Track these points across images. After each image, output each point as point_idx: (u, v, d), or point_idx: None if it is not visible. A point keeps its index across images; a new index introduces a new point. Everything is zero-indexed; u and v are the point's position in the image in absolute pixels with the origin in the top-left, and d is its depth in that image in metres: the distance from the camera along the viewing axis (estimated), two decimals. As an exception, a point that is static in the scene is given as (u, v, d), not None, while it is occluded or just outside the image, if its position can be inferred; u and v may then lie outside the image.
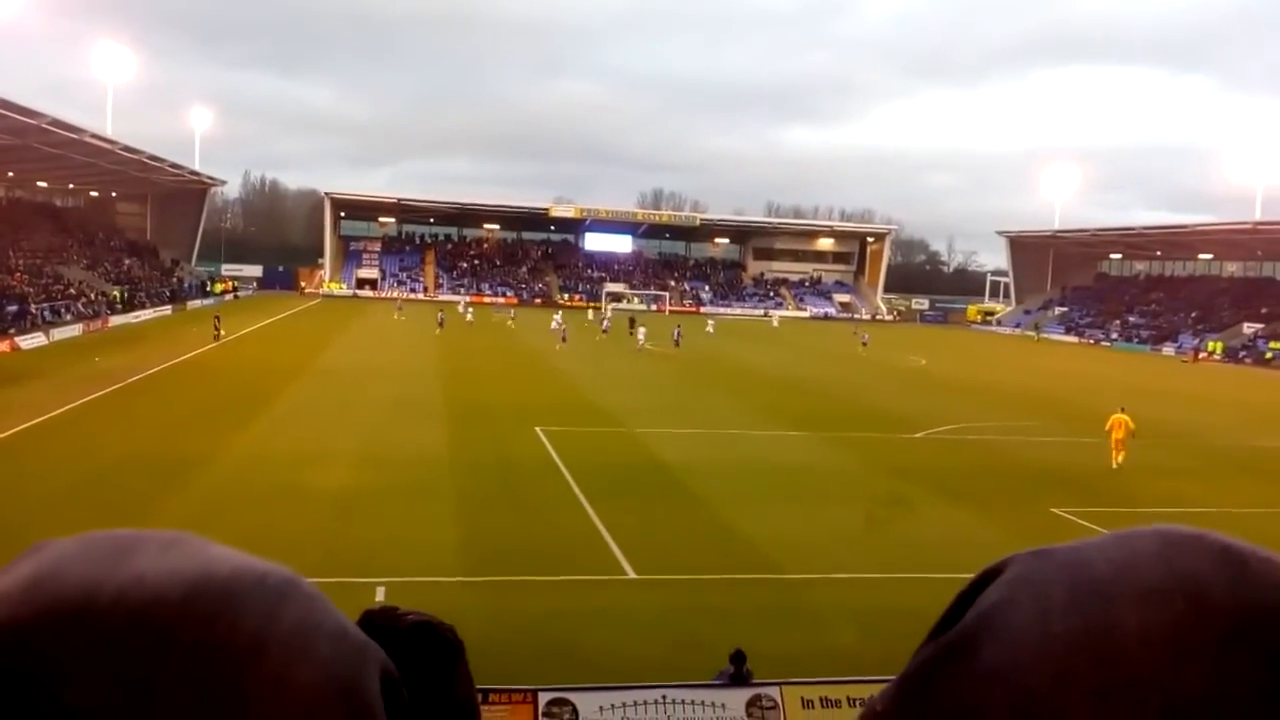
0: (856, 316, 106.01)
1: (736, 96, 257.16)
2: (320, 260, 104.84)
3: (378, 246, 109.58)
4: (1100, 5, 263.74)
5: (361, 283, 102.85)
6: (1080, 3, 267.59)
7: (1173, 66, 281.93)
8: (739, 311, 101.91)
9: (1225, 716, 0.54)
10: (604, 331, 66.14)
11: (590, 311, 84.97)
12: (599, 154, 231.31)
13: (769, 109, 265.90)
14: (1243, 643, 0.56)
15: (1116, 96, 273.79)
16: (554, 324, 59.13)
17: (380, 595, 13.57)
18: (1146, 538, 0.64)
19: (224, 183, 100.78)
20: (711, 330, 71.52)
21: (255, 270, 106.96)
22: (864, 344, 63.30)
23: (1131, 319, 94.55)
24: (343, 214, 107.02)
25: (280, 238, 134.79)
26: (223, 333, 48.99)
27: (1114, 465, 26.46)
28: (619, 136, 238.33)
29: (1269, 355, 76.33)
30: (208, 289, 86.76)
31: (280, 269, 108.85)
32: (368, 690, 0.59)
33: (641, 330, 57.38)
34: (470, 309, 77.38)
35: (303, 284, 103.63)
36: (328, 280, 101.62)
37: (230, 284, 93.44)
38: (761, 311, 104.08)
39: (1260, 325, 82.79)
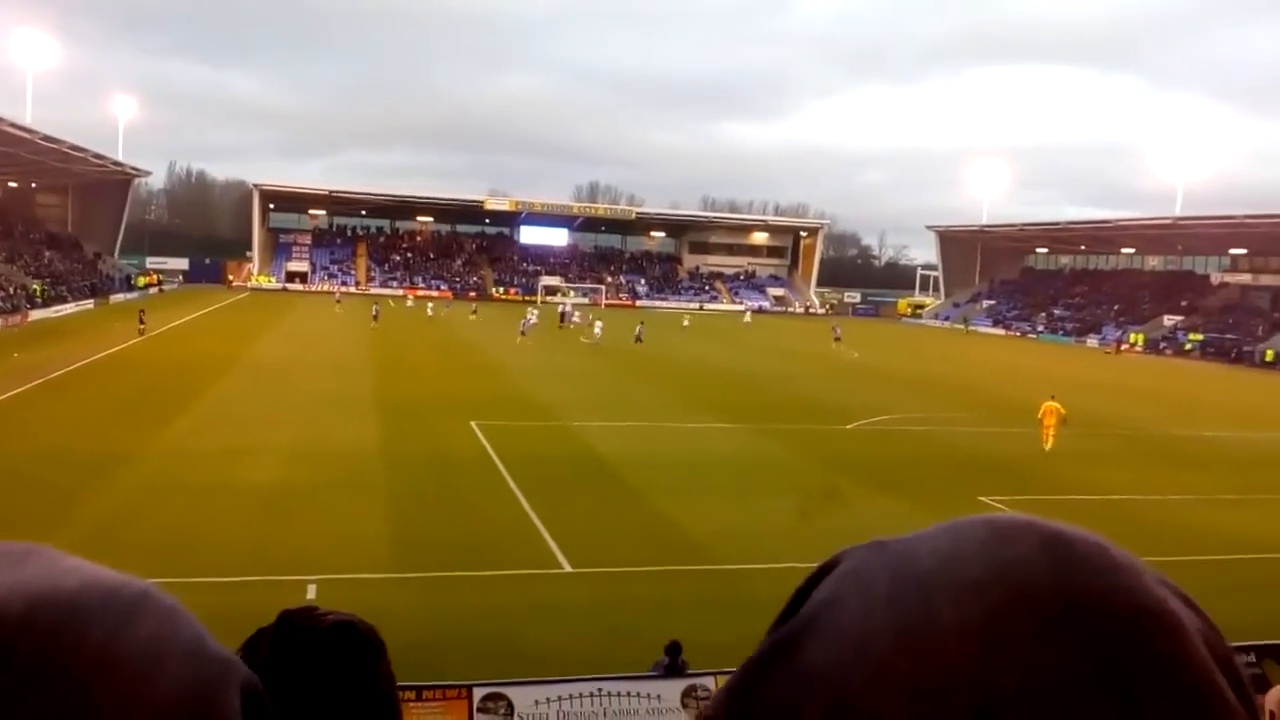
0: (789, 310, 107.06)
1: (675, 91, 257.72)
2: (248, 253, 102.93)
3: (308, 239, 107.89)
4: (1033, 6, 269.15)
5: (291, 276, 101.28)
6: (1014, 3, 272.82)
7: (1101, 66, 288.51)
8: (673, 305, 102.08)
9: (1041, 708, 0.53)
10: (563, 325, 66.36)
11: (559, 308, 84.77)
12: (537, 147, 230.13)
13: (707, 104, 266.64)
14: (1062, 631, 0.55)
15: (1046, 95, 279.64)
16: (528, 317, 59.55)
17: (311, 593, 13.40)
18: (974, 527, 0.63)
19: (148, 174, 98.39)
20: (687, 325, 72.15)
21: (181, 263, 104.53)
22: (837, 338, 64.26)
23: (1057, 311, 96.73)
24: (272, 206, 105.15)
25: (207, 230, 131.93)
26: (147, 327, 47.89)
27: (1045, 448, 27.72)
28: (557, 130, 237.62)
29: (1188, 346, 78.66)
30: (132, 282, 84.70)
31: (207, 262, 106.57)
32: (224, 709, 0.56)
33: (599, 324, 57.66)
34: (430, 303, 76.91)
35: (230, 277, 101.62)
36: (256, 273, 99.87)
37: (155, 277, 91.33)
38: (697, 305, 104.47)
39: (1180, 318, 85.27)
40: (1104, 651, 0.54)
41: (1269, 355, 72.20)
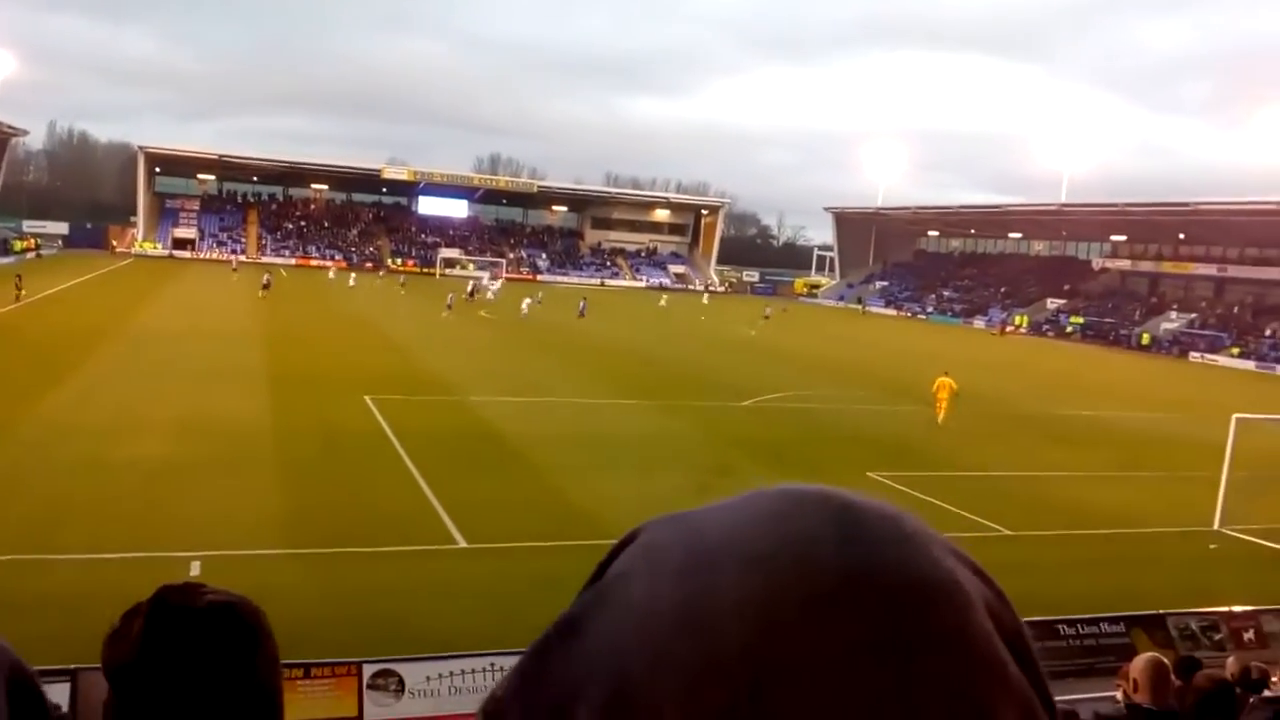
0: (690, 287, 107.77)
1: (581, 64, 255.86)
2: (133, 218, 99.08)
3: (196, 205, 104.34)
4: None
5: (178, 243, 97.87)
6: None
7: (998, 54, 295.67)
8: (575, 280, 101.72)
9: (814, 683, 0.52)
10: (471, 299, 65.47)
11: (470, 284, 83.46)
12: (440, 116, 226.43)
13: (613, 78, 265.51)
14: (841, 604, 0.54)
15: (944, 81, 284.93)
16: (472, 285, 61.04)
17: (195, 569, 13.02)
18: (769, 499, 0.62)
19: (26, 133, 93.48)
20: (665, 305, 72.89)
21: (61, 228, 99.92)
22: (766, 317, 66.84)
23: (946, 293, 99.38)
24: (158, 170, 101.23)
25: (90, 194, 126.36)
26: (24, 293, 45.76)
27: (939, 421, 29.13)
28: (460, 100, 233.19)
29: (1069, 329, 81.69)
30: (8, 246, 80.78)
31: (89, 226, 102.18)
32: None
33: (527, 301, 57.92)
34: (353, 275, 75.36)
35: (114, 243, 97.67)
36: (141, 239, 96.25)
37: (33, 241, 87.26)
38: (599, 281, 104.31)
39: (1062, 301, 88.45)
40: (883, 623, 0.53)
41: (1145, 338, 75.47)
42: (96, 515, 15.37)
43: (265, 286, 57.76)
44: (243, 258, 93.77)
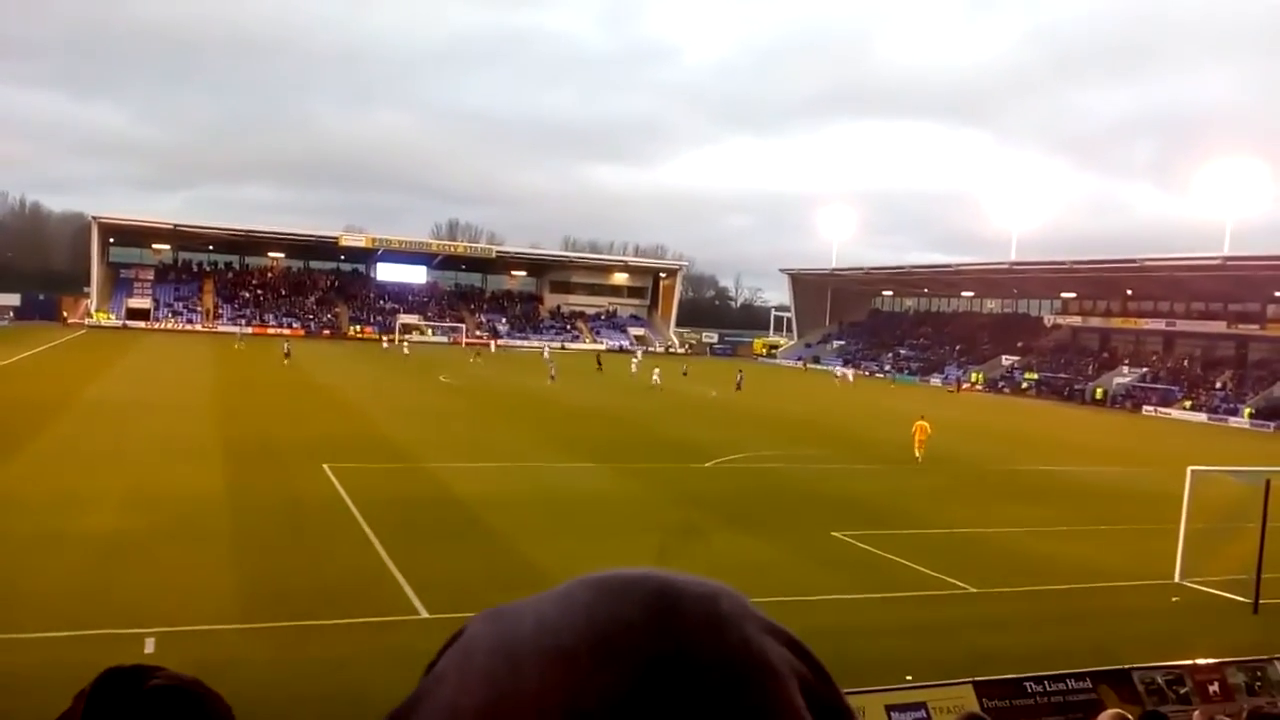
0: (650, 349, 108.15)
1: (546, 134, 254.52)
2: (86, 289, 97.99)
3: (151, 275, 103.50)
4: (891, 67, 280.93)
5: (133, 313, 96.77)
6: (875, 64, 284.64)
7: (951, 121, 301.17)
8: (535, 343, 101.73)
9: None
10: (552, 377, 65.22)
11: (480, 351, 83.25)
12: (400, 184, 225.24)
13: (577, 148, 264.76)
14: (647, 694, 0.52)
15: (898, 146, 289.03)
16: (546, 354, 65.35)
17: (149, 647, 12.70)
18: (584, 588, 0.60)
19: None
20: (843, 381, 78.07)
21: (13, 299, 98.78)
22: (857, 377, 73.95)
23: (902, 352, 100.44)
24: (112, 240, 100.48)
25: (42, 264, 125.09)
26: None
27: (917, 458, 32.45)
28: (425, 169, 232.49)
29: (1024, 385, 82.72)
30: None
31: (41, 298, 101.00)
32: None
33: (656, 371, 61.84)
34: (406, 343, 77.79)
35: (65, 314, 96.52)
36: (94, 310, 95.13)
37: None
38: (559, 344, 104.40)
39: (1017, 358, 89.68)
40: (687, 709, 0.52)
41: (1098, 393, 76.58)
42: (46, 591, 14.88)
43: (286, 355, 63.84)
44: (248, 330, 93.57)
